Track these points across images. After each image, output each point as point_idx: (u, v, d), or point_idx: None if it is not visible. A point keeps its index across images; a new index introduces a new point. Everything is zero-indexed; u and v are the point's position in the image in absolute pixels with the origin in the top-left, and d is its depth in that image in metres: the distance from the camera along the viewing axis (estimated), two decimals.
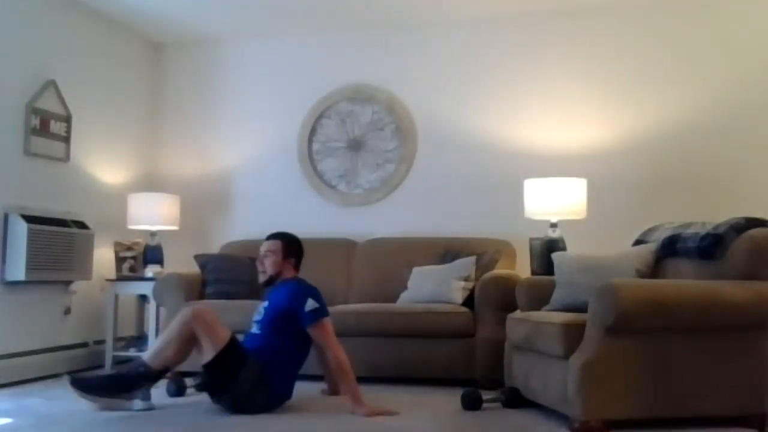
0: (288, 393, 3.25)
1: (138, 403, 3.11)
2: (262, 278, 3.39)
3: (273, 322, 3.23)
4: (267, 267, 3.36)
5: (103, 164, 4.93)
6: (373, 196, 5.07)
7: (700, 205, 4.37)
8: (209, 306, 4.22)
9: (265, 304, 3.35)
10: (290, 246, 3.41)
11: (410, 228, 4.90)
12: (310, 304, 3.17)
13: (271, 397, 3.15)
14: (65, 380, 3.14)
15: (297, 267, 3.43)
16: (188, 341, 3.11)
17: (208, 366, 3.06)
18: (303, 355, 3.30)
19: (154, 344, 3.19)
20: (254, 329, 3.31)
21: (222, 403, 3.15)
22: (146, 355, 3.17)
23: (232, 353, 3.07)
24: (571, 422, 2.78)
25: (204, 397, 3.29)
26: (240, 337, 3.25)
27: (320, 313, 3.18)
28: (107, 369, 4.51)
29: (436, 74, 5.02)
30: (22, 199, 4.17)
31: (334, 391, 3.49)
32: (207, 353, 3.06)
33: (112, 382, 3.14)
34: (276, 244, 3.38)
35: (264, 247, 3.40)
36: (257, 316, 3.33)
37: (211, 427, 2.89)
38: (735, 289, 2.84)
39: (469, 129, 4.92)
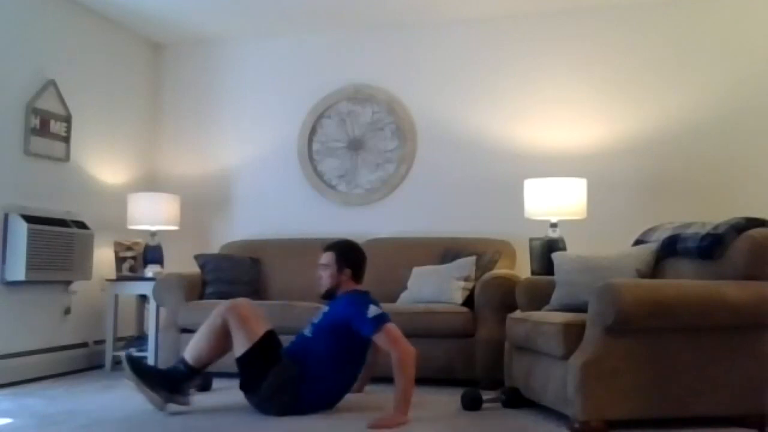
0: (322, 403, 3.13)
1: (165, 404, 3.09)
2: (320, 291, 3.29)
3: (327, 330, 3.13)
4: (323, 280, 3.26)
5: (103, 164, 4.94)
6: (373, 196, 5.07)
7: (700, 205, 4.37)
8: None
9: (325, 309, 3.27)
10: (345, 256, 3.26)
11: (410, 228, 4.90)
12: (373, 310, 3.03)
13: (298, 402, 3.05)
14: (122, 359, 3.11)
15: (357, 277, 3.28)
16: (223, 335, 3.07)
17: (239, 360, 3.04)
18: (349, 370, 3.18)
19: (192, 341, 3.14)
20: (306, 331, 3.23)
21: (250, 400, 3.11)
22: (186, 352, 3.13)
23: (265, 350, 3.03)
24: (571, 422, 2.78)
25: (204, 397, 3.30)
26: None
27: (383, 318, 3.03)
28: (107, 371, 4.51)
29: (436, 74, 5.02)
30: (22, 199, 4.17)
31: (358, 388, 3.42)
32: (239, 347, 3.03)
33: (159, 376, 3.11)
34: (329, 257, 3.26)
35: (320, 261, 3.29)
36: (314, 319, 3.25)
37: (211, 427, 2.89)
38: (735, 289, 2.84)
39: (469, 129, 4.92)
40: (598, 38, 4.75)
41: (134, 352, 4.15)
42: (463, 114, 4.94)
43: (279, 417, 3.01)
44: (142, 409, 3.15)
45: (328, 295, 3.27)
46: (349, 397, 3.28)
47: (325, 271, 3.26)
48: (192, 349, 3.11)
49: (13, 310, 4.09)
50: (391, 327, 3.03)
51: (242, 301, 3.16)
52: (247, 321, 3.06)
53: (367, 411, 3.09)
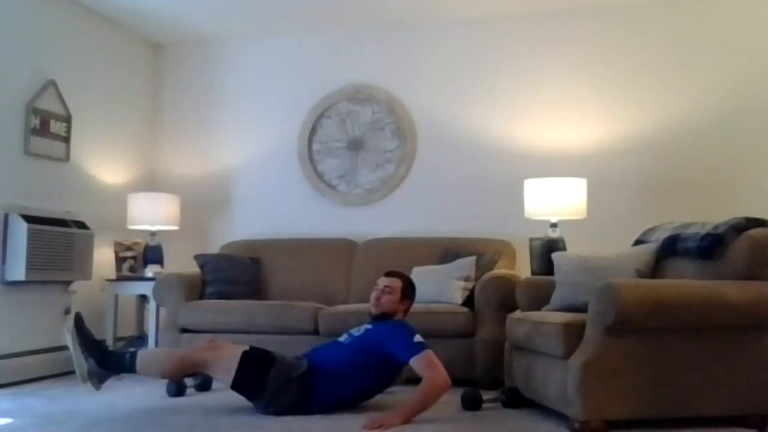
0: (327, 403, 3.11)
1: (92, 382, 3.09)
2: (374, 311, 3.28)
3: (365, 343, 3.15)
4: (384, 303, 3.26)
5: (103, 164, 4.94)
6: (373, 196, 5.07)
7: (700, 205, 4.37)
8: (207, 306, 4.25)
9: (368, 326, 3.27)
10: (410, 288, 3.35)
11: (410, 228, 4.90)
12: (418, 338, 3.07)
13: (304, 399, 3.05)
14: (68, 317, 3.13)
15: (407, 311, 3.35)
16: (188, 369, 3.12)
17: (233, 387, 3.04)
18: (365, 386, 3.19)
19: (153, 352, 3.18)
20: (344, 338, 3.25)
21: (259, 408, 3.09)
22: (140, 356, 3.11)
23: (253, 361, 3.03)
24: (571, 422, 2.78)
25: (204, 397, 3.30)
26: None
27: (424, 345, 3.05)
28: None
29: (436, 74, 5.02)
30: (22, 199, 4.17)
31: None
32: (225, 378, 3.03)
33: (99, 348, 3.11)
34: (397, 283, 3.31)
35: (384, 282, 3.32)
36: (355, 331, 3.26)
37: (211, 427, 2.88)
38: (735, 289, 2.84)
39: (469, 129, 4.92)
40: (598, 38, 4.75)
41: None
42: (463, 114, 4.94)
43: (278, 416, 3.00)
44: (143, 409, 3.15)
45: (380, 318, 3.27)
46: None
47: (388, 295, 3.28)
48: (151, 360, 3.13)
49: (13, 310, 4.09)
50: (432, 354, 3.05)
51: (215, 343, 3.20)
52: (220, 360, 3.05)
53: (367, 411, 3.09)
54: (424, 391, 2.95)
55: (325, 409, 3.10)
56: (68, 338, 3.09)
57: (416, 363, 3.02)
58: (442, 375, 2.98)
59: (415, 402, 2.93)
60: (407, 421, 2.88)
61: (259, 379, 3.03)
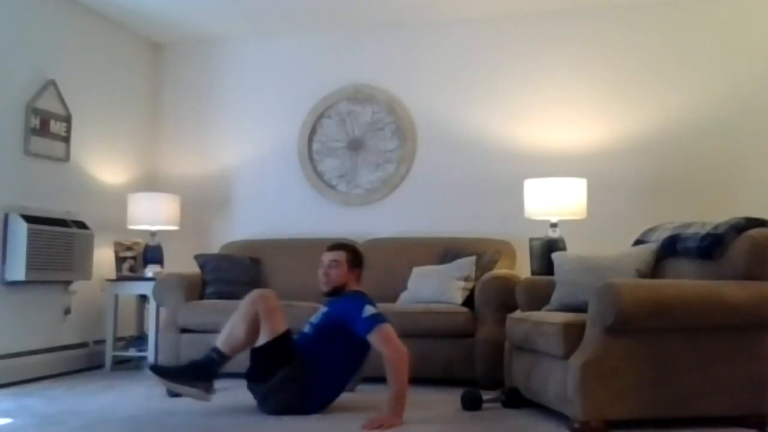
0: (323, 403, 3.15)
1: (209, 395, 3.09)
2: (325, 288, 3.27)
3: (326, 329, 3.16)
4: (333, 277, 3.25)
5: (103, 164, 4.94)
6: (373, 196, 5.07)
7: (700, 205, 4.37)
8: (206, 305, 4.25)
9: (324, 309, 3.29)
10: (356, 257, 3.33)
11: (410, 228, 4.90)
12: (368, 310, 3.05)
13: (302, 402, 3.07)
14: (145, 368, 3.11)
15: (359, 279, 3.35)
16: (254, 323, 3.08)
17: (255, 351, 3.06)
18: (347, 370, 3.21)
19: (223, 329, 3.14)
20: (306, 329, 3.25)
21: (254, 390, 3.12)
22: (218, 341, 3.12)
23: (282, 346, 3.05)
24: (571, 422, 2.78)
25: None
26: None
27: (378, 318, 3.04)
28: (107, 371, 4.51)
29: (436, 74, 5.02)
30: (22, 199, 4.17)
31: (349, 388, 3.43)
32: (261, 337, 3.04)
33: (190, 370, 3.09)
34: (342, 255, 3.28)
35: (328, 257, 3.29)
36: (313, 319, 3.27)
37: (211, 427, 2.89)
38: (735, 289, 2.84)
39: (469, 129, 4.92)
40: (598, 38, 4.75)
41: (148, 360, 4.14)
42: (463, 114, 4.94)
43: (278, 416, 3.01)
44: (143, 409, 3.15)
45: (333, 293, 3.27)
46: (346, 397, 3.28)
47: (335, 269, 3.26)
48: (227, 339, 3.10)
49: (13, 310, 4.09)
50: (386, 327, 3.03)
51: (271, 293, 3.18)
52: (273, 314, 3.08)
53: (365, 411, 3.08)
54: (393, 374, 2.93)
55: (324, 405, 3.13)
56: (172, 390, 3.07)
57: (372, 340, 3.02)
58: (396, 348, 2.96)
59: (394, 392, 2.93)
60: (401, 413, 2.89)
61: (272, 366, 3.04)
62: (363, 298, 3.18)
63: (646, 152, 4.59)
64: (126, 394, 3.57)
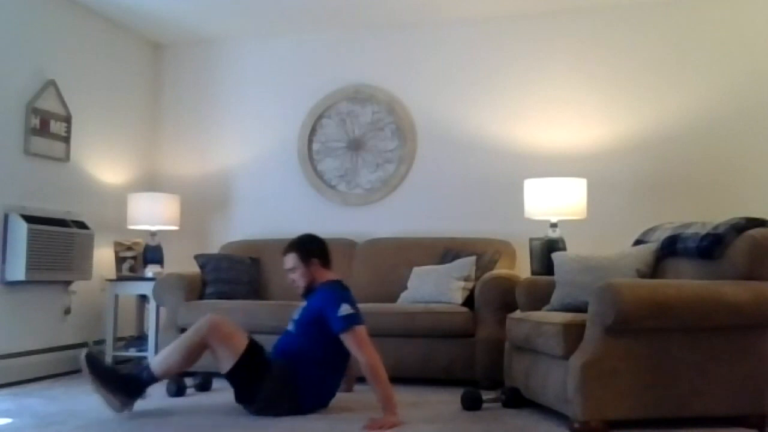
0: (321, 400, 3.16)
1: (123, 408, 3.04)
2: (299, 292, 3.27)
3: (307, 324, 3.14)
4: (297, 281, 3.24)
5: (103, 164, 4.94)
6: (373, 196, 5.07)
7: (700, 205, 4.37)
8: (216, 310, 4.25)
9: (303, 304, 3.27)
10: (306, 250, 3.25)
11: (410, 228, 4.90)
12: (344, 309, 3.01)
13: (298, 406, 3.06)
14: (81, 353, 3.05)
15: (326, 264, 3.28)
16: (197, 352, 3.05)
17: (228, 376, 3.03)
18: (338, 362, 3.17)
19: (163, 351, 3.10)
20: (290, 327, 3.23)
21: (249, 409, 3.09)
22: (153, 361, 3.09)
23: (252, 360, 3.01)
24: (571, 422, 2.78)
25: (204, 397, 3.30)
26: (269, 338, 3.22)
27: (353, 318, 3.02)
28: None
29: (436, 74, 5.02)
30: (22, 199, 4.17)
31: (346, 388, 3.46)
32: (225, 363, 3.00)
33: (120, 380, 3.04)
34: (293, 258, 3.24)
35: (286, 265, 3.26)
36: (295, 315, 3.25)
37: (211, 427, 2.89)
38: (735, 289, 2.84)
39: (469, 129, 4.92)
40: (598, 38, 4.75)
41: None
42: (463, 114, 4.94)
43: (279, 417, 3.01)
44: (143, 409, 3.15)
45: (308, 292, 3.25)
46: (346, 397, 3.28)
47: (294, 273, 3.24)
48: (162, 362, 3.06)
49: (13, 310, 4.09)
50: (360, 330, 3.02)
51: (220, 321, 3.08)
52: (228, 339, 3.02)
53: (365, 411, 3.08)
54: (372, 380, 2.94)
55: (321, 402, 3.13)
56: (90, 384, 3.00)
57: (345, 340, 3.01)
58: (370, 354, 2.96)
59: (380, 395, 2.94)
60: (395, 410, 2.90)
61: (253, 382, 3.01)
62: (338, 292, 3.14)
63: (646, 152, 4.59)
64: None
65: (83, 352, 3.05)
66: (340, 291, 3.17)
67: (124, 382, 3.04)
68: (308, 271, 3.22)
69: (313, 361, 3.09)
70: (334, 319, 3.02)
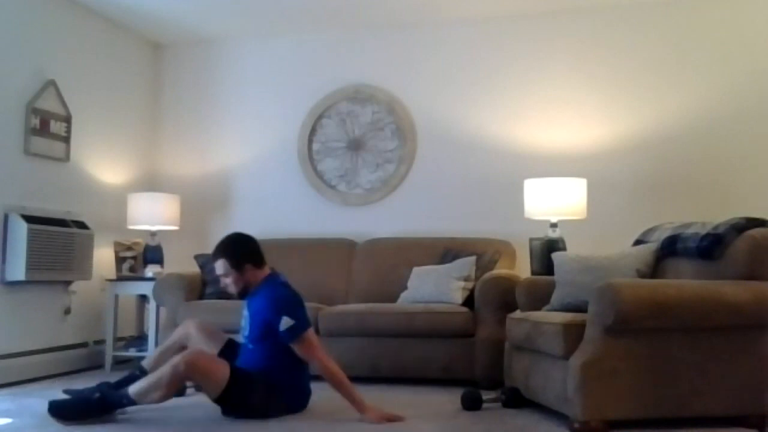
0: (304, 398, 3.17)
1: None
2: (235, 295, 3.21)
3: (261, 341, 3.10)
4: (231, 287, 3.16)
5: (103, 164, 4.94)
6: (373, 196, 5.07)
7: (700, 205, 4.37)
8: (204, 307, 4.24)
9: (246, 314, 3.20)
10: (235, 256, 3.13)
11: (410, 228, 4.90)
12: (285, 323, 2.97)
13: (290, 401, 3.09)
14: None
15: (259, 265, 3.17)
16: (178, 385, 3.00)
17: (216, 402, 3.00)
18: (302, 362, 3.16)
19: (143, 381, 2.96)
20: (246, 342, 3.19)
21: (243, 419, 3.07)
22: (133, 390, 2.92)
23: (236, 384, 2.95)
24: (571, 422, 2.78)
25: (204, 397, 3.28)
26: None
27: (296, 330, 2.99)
28: (107, 371, 4.51)
29: (436, 74, 5.02)
30: (22, 199, 4.17)
31: (361, 409, 3.41)
32: (211, 393, 2.96)
33: (94, 406, 2.93)
34: (222, 266, 3.12)
35: (217, 272, 3.18)
36: (245, 330, 3.19)
37: (211, 428, 2.89)
38: (735, 289, 2.84)
39: (469, 129, 4.92)
40: (598, 38, 4.75)
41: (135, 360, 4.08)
42: (463, 114, 4.94)
43: (280, 418, 3.02)
44: (142, 409, 3.14)
45: (243, 295, 3.19)
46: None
47: (227, 279, 3.15)
48: (144, 396, 2.91)
49: (13, 310, 4.09)
50: (306, 336, 3.02)
51: (194, 356, 2.94)
52: (208, 372, 2.92)
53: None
54: (333, 384, 2.99)
55: (308, 393, 3.17)
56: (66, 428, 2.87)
57: (295, 350, 3.02)
58: (319, 358, 3.00)
59: (342, 394, 2.99)
60: (364, 404, 2.97)
61: (242, 399, 2.99)
62: (277, 301, 3.06)
63: (646, 152, 4.59)
64: None
65: (47, 405, 2.90)
66: (277, 296, 3.09)
67: (100, 407, 2.94)
68: (241, 277, 3.14)
69: (284, 367, 3.07)
70: (279, 333, 3.01)
